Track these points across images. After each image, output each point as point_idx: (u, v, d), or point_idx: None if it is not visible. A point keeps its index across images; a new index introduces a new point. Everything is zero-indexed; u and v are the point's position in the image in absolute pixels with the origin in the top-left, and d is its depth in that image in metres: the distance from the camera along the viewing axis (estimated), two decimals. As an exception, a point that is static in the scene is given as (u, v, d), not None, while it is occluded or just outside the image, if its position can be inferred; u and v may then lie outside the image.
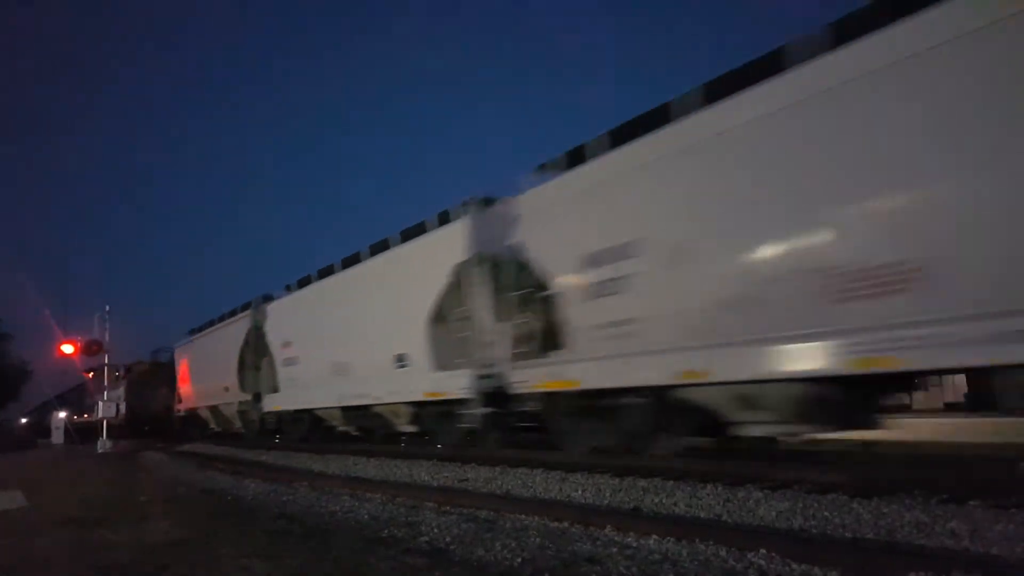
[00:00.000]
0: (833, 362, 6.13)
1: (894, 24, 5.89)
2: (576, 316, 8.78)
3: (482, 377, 10.44)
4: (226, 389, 20.39)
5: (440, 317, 11.35)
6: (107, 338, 23.79)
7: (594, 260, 8.48)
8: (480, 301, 10.67)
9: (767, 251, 6.81)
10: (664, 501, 5.91)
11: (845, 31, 6.33)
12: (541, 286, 9.32)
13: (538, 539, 4.52)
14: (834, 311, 6.12)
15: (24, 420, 55.53)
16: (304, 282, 16.87)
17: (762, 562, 3.69)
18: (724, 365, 7.05)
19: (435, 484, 8.11)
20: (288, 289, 17.88)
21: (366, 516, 5.86)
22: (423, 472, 9.10)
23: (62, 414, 35.55)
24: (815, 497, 5.44)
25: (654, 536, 4.39)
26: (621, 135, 8.61)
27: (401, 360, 12.25)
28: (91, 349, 23.75)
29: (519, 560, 4.01)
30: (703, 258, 7.34)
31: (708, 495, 5.91)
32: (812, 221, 6.40)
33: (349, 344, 14.02)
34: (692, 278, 7.43)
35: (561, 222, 9.18)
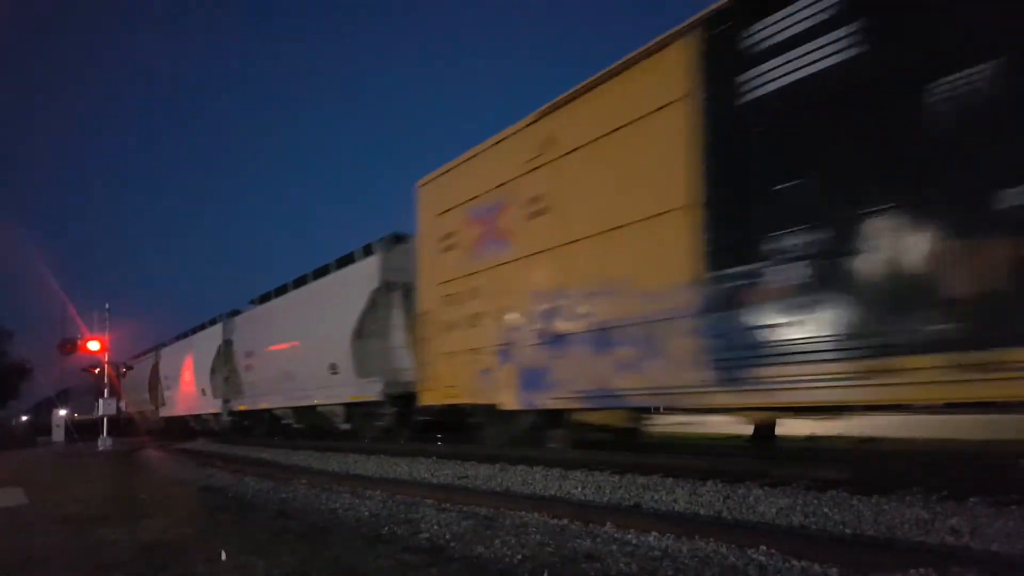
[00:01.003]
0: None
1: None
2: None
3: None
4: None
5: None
6: (107, 336, 23.81)
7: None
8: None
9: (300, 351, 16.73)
10: (664, 498, 5.90)
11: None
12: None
13: (538, 536, 4.51)
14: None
15: (24, 418, 55.57)
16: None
17: (762, 559, 3.69)
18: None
19: (435, 481, 8.10)
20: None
21: (366, 513, 5.86)
22: (423, 469, 9.09)
23: (62, 412, 35.58)
24: (815, 494, 5.43)
25: (654, 533, 4.38)
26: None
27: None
28: (91, 347, 23.75)
29: (519, 557, 4.01)
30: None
31: (708, 492, 5.90)
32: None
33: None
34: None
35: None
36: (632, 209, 7.46)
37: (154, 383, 30.16)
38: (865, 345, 5.57)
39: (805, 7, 5.89)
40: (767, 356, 6.23)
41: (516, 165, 9.02)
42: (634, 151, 7.45)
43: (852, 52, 5.62)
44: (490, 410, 9.67)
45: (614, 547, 4.13)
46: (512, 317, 9.22)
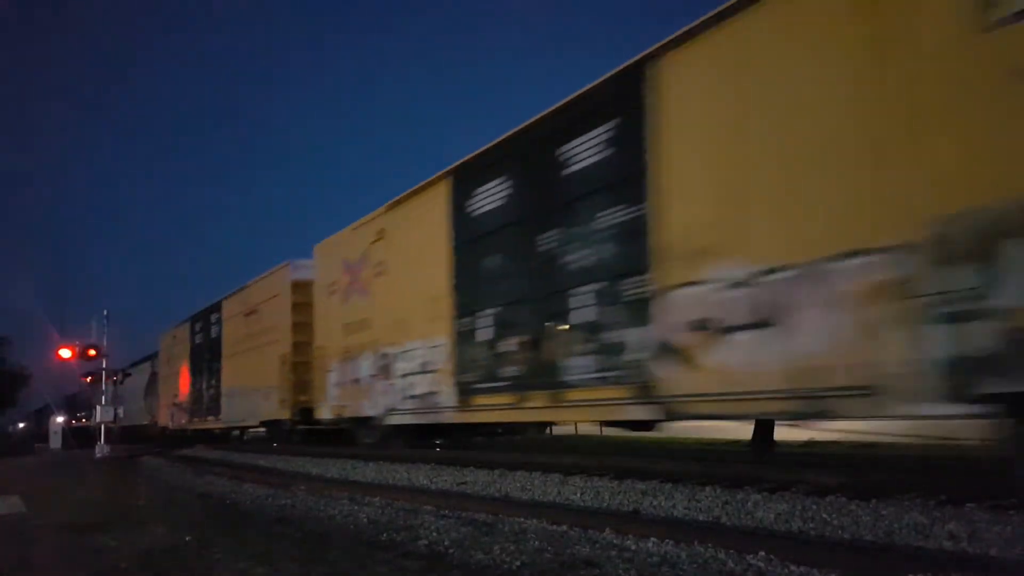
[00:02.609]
0: None
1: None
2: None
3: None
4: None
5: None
6: (105, 342, 23.75)
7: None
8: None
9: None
10: (663, 503, 5.90)
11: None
12: None
13: (537, 542, 4.51)
14: None
15: (22, 425, 55.42)
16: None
17: (761, 564, 3.69)
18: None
19: (434, 488, 8.09)
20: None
21: (364, 520, 5.85)
22: (421, 476, 9.08)
23: (60, 418, 35.50)
24: (814, 499, 5.43)
25: (653, 539, 4.39)
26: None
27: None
28: (88, 354, 23.71)
29: (518, 563, 4.01)
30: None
31: (707, 497, 5.91)
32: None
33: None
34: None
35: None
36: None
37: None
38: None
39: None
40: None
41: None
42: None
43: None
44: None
45: (613, 553, 4.13)
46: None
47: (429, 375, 10.58)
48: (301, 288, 15.22)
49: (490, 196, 9.55)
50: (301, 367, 15.06)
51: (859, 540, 4.35)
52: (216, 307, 20.35)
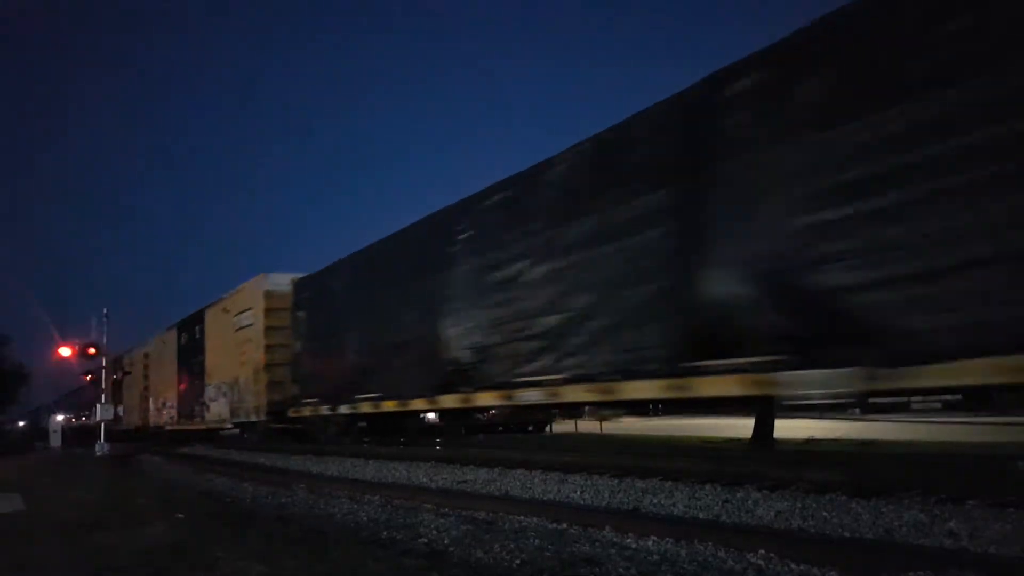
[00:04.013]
0: None
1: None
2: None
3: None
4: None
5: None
6: (105, 341, 23.75)
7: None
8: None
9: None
10: (663, 502, 5.91)
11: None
12: None
13: (537, 540, 4.51)
14: None
15: (21, 423, 55.40)
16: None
17: (761, 562, 3.69)
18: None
19: (434, 486, 8.10)
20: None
21: (364, 518, 5.85)
22: (421, 474, 9.09)
23: (59, 417, 35.50)
24: (814, 497, 5.44)
25: (653, 537, 4.39)
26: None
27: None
28: (88, 352, 23.71)
29: (518, 562, 4.01)
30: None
31: (707, 495, 5.91)
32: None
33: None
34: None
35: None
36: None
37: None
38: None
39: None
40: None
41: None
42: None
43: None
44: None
45: (613, 551, 4.13)
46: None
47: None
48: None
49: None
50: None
51: (859, 538, 4.35)
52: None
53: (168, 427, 25.53)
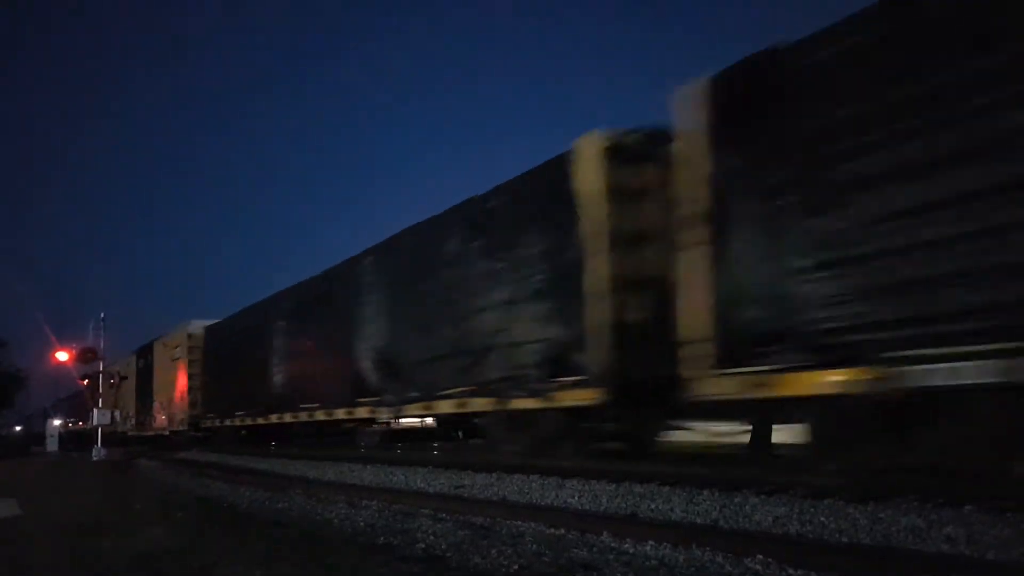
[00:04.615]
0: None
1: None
2: None
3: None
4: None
5: None
6: (102, 345, 23.76)
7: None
8: None
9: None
10: (661, 507, 5.90)
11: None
12: None
13: (535, 546, 4.51)
14: None
15: (18, 428, 55.22)
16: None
17: (759, 568, 3.69)
18: None
19: (431, 491, 8.08)
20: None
21: (362, 523, 5.84)
22: (419, 479, 9.07)
23: (56, 421, 35.41)
24: (811, 502, 5.43)
25: (651, 542, 4.38)
26: None
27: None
28: (86, 356, 23.67)
29: (515, 567, 4.00)
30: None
31: (704, 500, 5.90)
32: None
33: None
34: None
35: None
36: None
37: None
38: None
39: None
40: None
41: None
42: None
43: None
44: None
45: (611, 556, 4.13)
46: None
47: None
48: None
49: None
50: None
51: (857, 544, 4.35)
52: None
53: (129, 432, 30.67)
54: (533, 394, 8.62)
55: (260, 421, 17.49)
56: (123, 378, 30.41)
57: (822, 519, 4.90)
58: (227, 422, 19.60)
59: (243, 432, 19.76)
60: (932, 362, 5.11)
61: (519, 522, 5.42)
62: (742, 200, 6.50)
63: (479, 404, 9.67)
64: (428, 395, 10.82)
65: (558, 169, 8.50)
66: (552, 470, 8.39)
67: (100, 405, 24.13)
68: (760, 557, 3.81)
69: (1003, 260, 4.87)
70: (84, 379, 31.36)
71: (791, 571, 3.58)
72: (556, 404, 8.41)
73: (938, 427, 5.45)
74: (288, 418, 15.74)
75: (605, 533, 4.75)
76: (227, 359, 19.92)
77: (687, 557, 4.02)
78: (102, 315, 23.86)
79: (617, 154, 8.05)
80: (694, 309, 6.76)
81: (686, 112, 7.05)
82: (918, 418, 5.49)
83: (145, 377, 27.46)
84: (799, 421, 6.65)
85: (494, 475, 8.61)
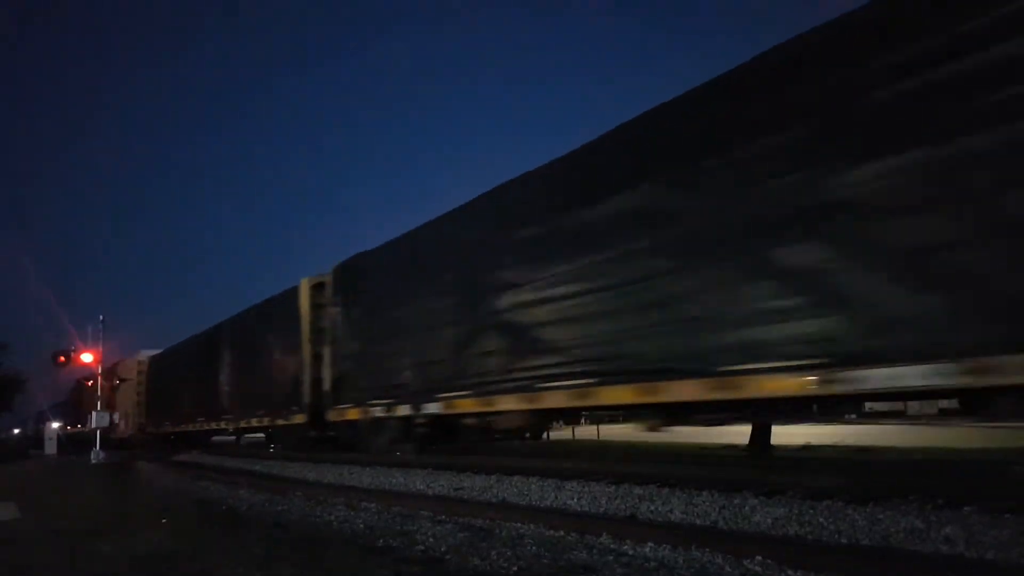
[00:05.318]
0: None
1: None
2: None
3: None
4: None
5: None
6: (101, 348, 23.72)
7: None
8: None
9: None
10: (660, 508, 5.90)
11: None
12: None
13: (534, 548, 4.51)
14: None
15: (16, 431, 55.22)
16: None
17: (758, 569, 3.69)
18: None
19: (430, 493, 8.08)
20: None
21: (361, 525, 5.84)
22: (418, 481, 9.07)
23: (55, 424, 35.40)
24: (810, 503, 5.43)
25: (650, 543, 4.39)
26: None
27: None
28: (84, 360, 23.64)
29: (515, 569, 4.01)
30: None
31: (704, 502, 5.91)
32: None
33: None
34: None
35: None
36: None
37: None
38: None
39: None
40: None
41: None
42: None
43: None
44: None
45: (610, 558, 4.13)
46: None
47: None
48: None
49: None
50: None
51: (856, 545, 4.35)
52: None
53: (111, 435, 33.44)
54: (273, 416, 16.73)
55: (177, 429, 24.40)
56: (123, 380, 30.56)
57: (821, 520, 4.90)
58: (160, 429, 26.36)
59: (172, 436, 25.29)
60: (384, 408, 12.08)
61: (518, 524, 5.42)
62: (345, 324, 13.58)
63: (265, 421, 17.59)
64: (251, 415, 18.39)
65: (293, 294, 15.66)
66: (551, 472, 8.40)
67: (99, 407, 24.02)
68: (759, 558, 3.82)
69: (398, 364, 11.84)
70: (87, 381, 31.43)
71: (790, 572, 3.59)
72: (292, 422, 15.55)
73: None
74: (190, 427, 22.82)
75: (604, 534, 4.75)
76: (159, 383, 27.22)
77: (686, 558, 4.03)
78: (101, 318, 23.81)
79: (316, 288, 15.00)
80: (328, 374, 14.01)
81: (331, 279, 14.30)
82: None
83: (115, 390, 32.36)
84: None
85: (493, 477, 8.61)
